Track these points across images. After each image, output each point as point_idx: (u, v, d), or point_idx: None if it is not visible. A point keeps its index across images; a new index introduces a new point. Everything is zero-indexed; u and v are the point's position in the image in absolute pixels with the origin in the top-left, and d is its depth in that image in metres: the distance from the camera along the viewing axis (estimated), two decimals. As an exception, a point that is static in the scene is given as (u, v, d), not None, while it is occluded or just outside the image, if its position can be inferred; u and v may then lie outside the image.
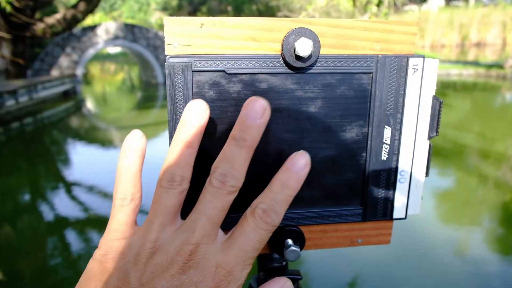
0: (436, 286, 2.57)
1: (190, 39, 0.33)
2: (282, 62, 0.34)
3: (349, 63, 0.35)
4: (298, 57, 0.33)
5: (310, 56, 0.33)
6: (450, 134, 6.22)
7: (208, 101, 0.34)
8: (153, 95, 12.38)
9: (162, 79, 13.25)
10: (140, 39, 12.64)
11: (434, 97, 0.37)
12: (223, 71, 0.33)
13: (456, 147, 5.76)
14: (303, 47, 0.32)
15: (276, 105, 0.35)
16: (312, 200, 0.38)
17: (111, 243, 0.32)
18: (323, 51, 0.34)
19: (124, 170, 0.33)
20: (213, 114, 0.34)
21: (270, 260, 0.44)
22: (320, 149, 0.36)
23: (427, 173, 0.39)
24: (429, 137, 0.38)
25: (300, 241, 0.38)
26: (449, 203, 4.03)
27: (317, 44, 0.33)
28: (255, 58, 0.34)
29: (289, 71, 0.34)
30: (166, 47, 0.33)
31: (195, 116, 0.31)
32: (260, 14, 20.06)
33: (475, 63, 15.09)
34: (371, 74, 0.35)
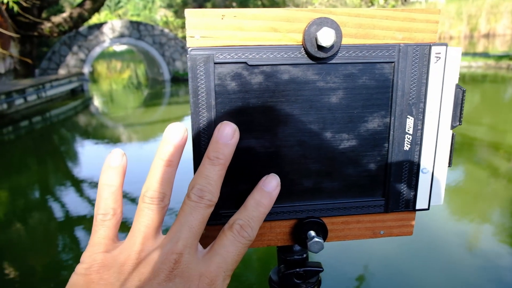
0: (447, 280, 2.55)
1: (212, 31, 0.33)
2: (303, 52, 0.34)
3: (370, 53, 0.34)
4: (320, 47, 0.33)
5: (332, 46, 0.33)
6: (459, 127, 6.15)
7: (230, 92, 0.34)
8: (159, 92, 12.40)
9: (168, 76, 13.27)
10: (146, 36, 12.66)
11: (457, 86, 0.36)
12: (245, 62, 0.33)
13: (466, 140, 5.71)
14: (325, 37, 0.32)
15: (298, 96, 0.34)
16: (334, 191, 0.38)
17: (95, 256, 0.33)
18: (345, 41, 0.34)
19: (105, 187, 0.34)
20: (234, 106, 0.34)
21: (290, 253, 0.44)
22: (341, 140, 0.36)
23: (450, 164, 0.39)
24: (452, 127, 0.38)
25: (323, 233, 0.38)
26: (460, 197, 4.00)
27: (339, 33, 0.33)
28: (277, 49, 0.33)
29: (311, 61, 0.34)
30: (187, 39, 0.33)
31: (174, 136, 0.33)
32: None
33: (485, 55, 14.91)
34: (393, 64, 0.35)
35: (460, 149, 5.31)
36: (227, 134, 0.33)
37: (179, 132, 0.33)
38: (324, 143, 0.36)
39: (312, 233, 0.37)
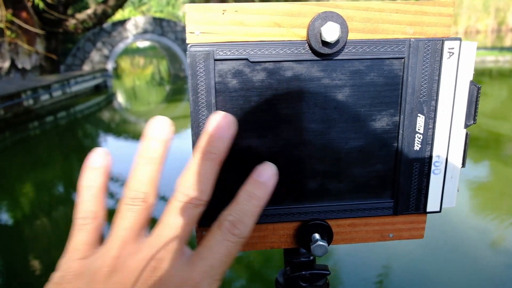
0: (471, 279, 2.49)
1: (212, 26, 0.32)
2: (308, 48, 0.32)
3: (379, 48, 0.33)
4: (325, 43, 0.31)
5: (337, 42, 0.32)
6: (485, 123, 6.01)
7: (231, 90, 0.33)
8: (181, 88, 12.50)
9: (190, 71, 13.33)
10: (169, 32, 12.75)
11: (472, 83, 0.34)
12: (246, 59, 0.32)
13: (492, 136, 5.56)
14: (330, 32, 0.31)
15: (302, 93, 0.33)
16: (340, 192, 0.36)
17: (70, 263, 0.30)
18: (351, 36, 0.33)
19: (85, 188, 0.32)
20: (236, 104, 0.33)
21: (296, 255, 0.42)
22: (348, 139, 0.35)
23: (463, 164, 0.37)
24: (466, 126, 0.36)
25: (328, 236, 0.36)
26: (485, 194, 3.90)
27: (344, 28, 0.32)
28: (280, 45, 0.32)
29: (315, 58, 0.33)
30: (187, 35, 0.32)
31: (157, 131, 0.31)
32: None
33: (513, 49, 14.47)
34: (403, 59, 0.33)
35: (486, 145, 5.17)
36: (222, 126, 0.30)
37: (163, 126, 0.31)
38: (330, 142, 0.35)
39: (317, 235, 0.36)
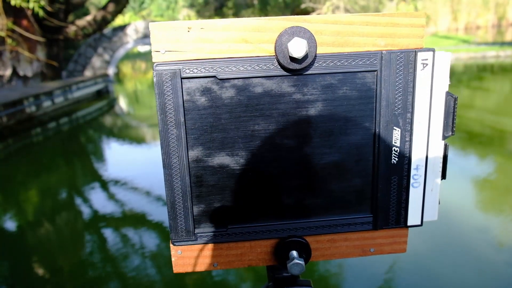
0: (478, 279, 2.47)
1: (178, 44, 0.31)
2: (276, 64, 0.32)
3: (350, 62, 0.32)
4: (293, 58, 0.31)
5: (305, 57, 0.31)
6: (488, 119, 5.98)
7: (200, 108, 0.32)
8: (183, 91, 12.46)
9: (191, 74, 13.35)
10: (169, 36, 12.75)
11: (448, 93, 0.34)
12: (214, 76, 0.31)
13: (495, 132, 5.52)
14: (297, 48, 0.30)
15: (273, 109, 0.33)
16: (317, 208, 0.35)
17: None
18: (321, 50, 0.32)
19: None
20: (205, 122, 0.32)
21: (279, 270, 0.42)
22: (323, 154, 0.34)
23: (443, 176, 0.36)
24: (444, 137, 0.35)
25: (306, 253, 0.36)
26: (490, 191, 3.87)
27: (312, 43, 0.31)
28: (248, 61, 0.31)
29: (285, 73, 0.32)
30: (153, 54, 0.31)
31: None
32: (286, 6, 19.84)
33: (514, 44, 14.39)
34: (375, 72, 0.33)
35: (489, 142, 5.14)
36: None
37: None
38: (304, 158, 0.34)
39: (294, 253, 0.35)
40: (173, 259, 0.34)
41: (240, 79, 0.32)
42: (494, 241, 2.92)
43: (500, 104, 7.16)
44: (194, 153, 0.32)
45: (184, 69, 0.31)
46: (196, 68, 0.31)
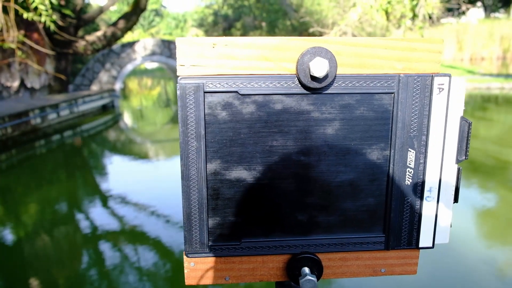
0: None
1: (202, 59, 0.32)
2: (297, 82, 0.33)
3: (368, 83, 0.33)
4: (314, 77, 0.32)
5: (326, 76, 0.32)
6: (492, 150, 5.98)
7: (221, 122, 0.33)
8: (188, 109, 12.53)
9: (196, 93, 13.43)
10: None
11: (462, 118, 0.34)
12: (236, 91, 0.32)
13: (499, 163, 5.51)
14: (319, 67, 0.31)
15: (291, 126, 0.33)
16: (330, 226, 0.36)
17: None
18: (340, 70, 0.33)
19: None
20: (225, 136, 0.33)
21: (288, 286, 0.42)
22: (338, 172, 0.35)
23: (456, 199, 0.36)
24: (458, 161, 0.35)
25: (318, 269, 0.36)
26: (492, 222, 3.84)
27: (333, 63, 0.32)
28: (269, 78, 0.32)
29: (305, 91, 0.33)
30: (178, 68, 0.32)
31: None
32: (294, 29, 20.12)
33: (518, 76, 14.48)
34: (392, 94, 0.34)
35: (493, 172, 5.13)
36: None
37: None
38: (319, 175, 0.34)
39: (306, 269, 0.35)
40: (185, 271, 0.35)
41: (260, 95, 0.33)
42: (495, 273, 2.88)
43: (504, 135, 7.17)
44: (212, 166, 0.32)
45: (207, 84, 0.32)
46: (218, 83, 0.32)
